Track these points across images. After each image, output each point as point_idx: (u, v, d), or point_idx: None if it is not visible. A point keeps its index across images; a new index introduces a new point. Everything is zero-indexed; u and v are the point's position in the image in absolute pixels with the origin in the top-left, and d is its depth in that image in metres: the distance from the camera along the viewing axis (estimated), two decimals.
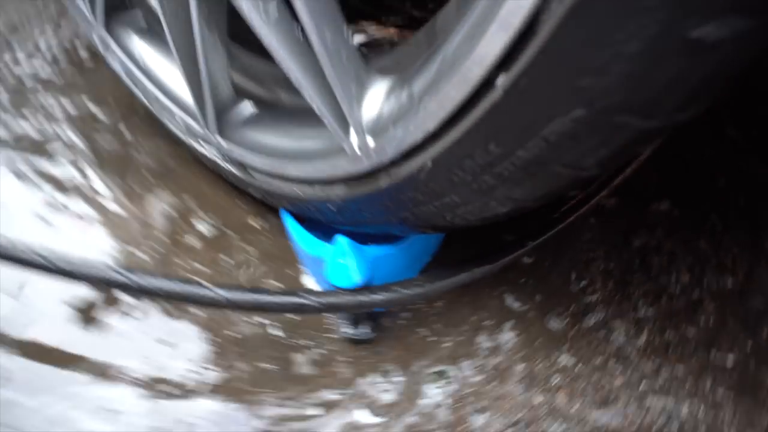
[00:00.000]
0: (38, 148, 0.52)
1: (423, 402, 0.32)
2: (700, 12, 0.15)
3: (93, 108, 0.57)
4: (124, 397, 0.33)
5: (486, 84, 0.20)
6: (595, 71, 0.18)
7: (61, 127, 0.55)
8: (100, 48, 0.48)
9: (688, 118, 0.20)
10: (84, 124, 0.55)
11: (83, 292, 0.37)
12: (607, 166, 0.23)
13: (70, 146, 0.52)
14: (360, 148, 0.28)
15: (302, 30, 0.28)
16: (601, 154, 0.22)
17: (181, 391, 0.32)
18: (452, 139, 0.23)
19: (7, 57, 0.61)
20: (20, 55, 0.63)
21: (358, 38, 0.48)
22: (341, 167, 0.30)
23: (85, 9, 0.45)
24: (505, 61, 0.20)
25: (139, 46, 0.45)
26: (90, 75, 0.62)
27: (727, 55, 0.17)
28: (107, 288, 0.35)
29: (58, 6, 0.71)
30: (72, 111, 0.57)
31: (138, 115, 0.56)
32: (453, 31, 0.23)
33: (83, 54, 0.65)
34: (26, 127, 0.55)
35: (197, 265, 0.40)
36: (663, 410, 0.30)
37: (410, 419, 0.31)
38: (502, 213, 0.27)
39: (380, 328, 0.36)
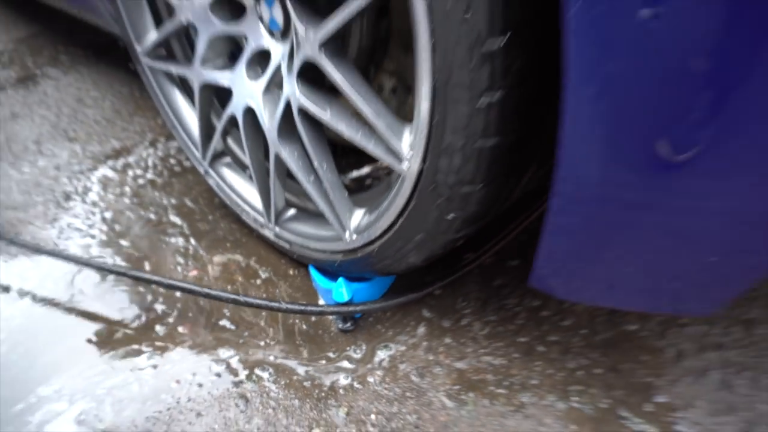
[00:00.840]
0: (156, 225, 0.87)
1: (375, 359, 0.65)
2: (460, 231, 0.51)
3: (186, 201, 0.92)
4: (229, 356, 0.65)
5: (393, 224, 0.56)
6: (427, 227, 0.53)
7: (168, 213, 0.89)
8: (202, 172, 0.84)
9: (475, 230, 0.56)
10: (182, 211, 0.90)
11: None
12: (447, 250, 0.58)
13: (176, 225, 0.87)
14: (349, 239, 0.63)
15: (325, 190, 0.64)
16: (446, 239, 0.57)
17: (256, 346, 0.66)
18: (383, 240, 0.58)
19: (130, 172, 0.97)
20: (137, 168, 0.99)
21: (366, 170, 0.85)
22: (341, 247, 0.65)
23: (198, 155, 0.81)
24: (397, 218, 0.55)
25: (228, 173, 0.81)
26: (180, 178, 0.98)
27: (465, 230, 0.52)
28: (228, 303, 0.69)
29: (152, 134, 1.08)
30: (174, 202, 0.92)
31: (215, 205, 0.91)
32: (386, 200, 0.58)
33: (175, 164, 1.00)
34: (147, 214, 0.89)
35: (261, 294, 0.74)
36: (489, 362, 0.64)
37: (368, 365, 0.64)
38: (416, 265, 0.62)
39: (357, 324, 0.69)
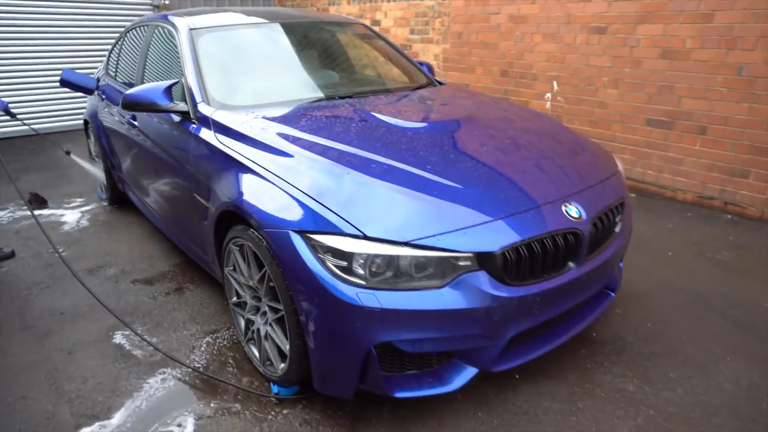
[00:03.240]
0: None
1: (284, 410, 2.00)
2: None
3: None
4: (236, 398, 2.04)
5: (284, 373, 1.99)
6: (293, 375, 1.96)
7: None
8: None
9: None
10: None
11: None
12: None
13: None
14: (279, 373, 2.05)
15: (273, 359, 2.08)
16: (301, 377, 1.99)
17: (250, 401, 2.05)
18: (285, 376, 2.01)
19: (219, 341, 2.47)
20: (228, 337, 2.49)
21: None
22: (278, 375, 2.07)
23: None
24: (286, 371, 1.99)
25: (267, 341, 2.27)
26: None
27: None
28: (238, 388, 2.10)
29: (227, 323, 2.61)
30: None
31: (246, 360, 2.36)
32: (285, 366, 2.02)
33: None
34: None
35: (257, 385, 2.15)
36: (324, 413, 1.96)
37: (281, 412, 1.98)
38: (297, 384, 2.02)
39: (282, 401, 2.06)
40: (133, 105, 2.48)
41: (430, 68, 3.60)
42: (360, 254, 1.68)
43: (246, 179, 2.05)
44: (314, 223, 1.76)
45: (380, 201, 1.81)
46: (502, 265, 1.75)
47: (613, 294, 2.33)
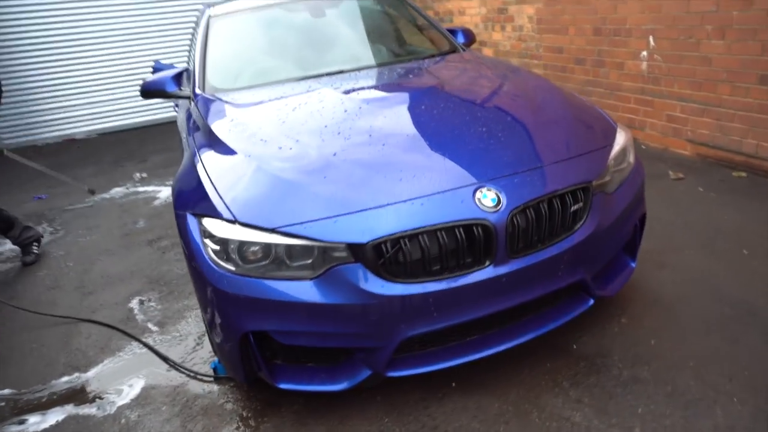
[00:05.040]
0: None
1: (225, 387, 2.06)
2: None
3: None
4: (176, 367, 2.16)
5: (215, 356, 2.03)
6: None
7: None
8: None
9: None
10: None
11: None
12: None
13: None
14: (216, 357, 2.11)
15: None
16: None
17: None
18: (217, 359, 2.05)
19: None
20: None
21: None
22: (216, 357, 2.13)
23: None
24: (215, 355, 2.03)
25: None
26: None
27: None
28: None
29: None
30: None
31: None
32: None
33: None
34: None
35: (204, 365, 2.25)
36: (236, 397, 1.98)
37: (221, 387, 2.05)
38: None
39: (219, 379, 2.13)
40: (148, 93, 2.71)
41: (466, 34, 3.23)
42: (232, 240, 1.62)
43: (186, 164, 2.12)
44: (203, 207, 1.75)
45: (263, 187, 1.72)
46: (378, 259, 1.54)
47: (592, 300, 1.88)
